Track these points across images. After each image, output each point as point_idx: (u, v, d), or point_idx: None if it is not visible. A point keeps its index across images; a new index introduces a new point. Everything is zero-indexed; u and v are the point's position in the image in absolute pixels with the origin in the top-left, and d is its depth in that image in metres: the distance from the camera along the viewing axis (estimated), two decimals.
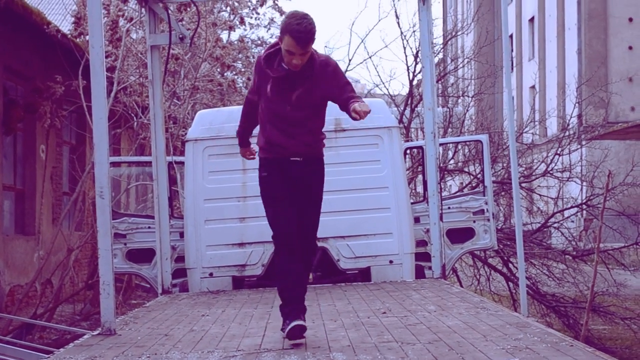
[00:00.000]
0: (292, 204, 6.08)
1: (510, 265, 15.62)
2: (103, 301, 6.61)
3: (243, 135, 6.57)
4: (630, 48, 35.71)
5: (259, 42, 21.19)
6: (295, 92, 5.89)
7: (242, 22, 16.34)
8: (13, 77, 15.46)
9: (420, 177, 14.35)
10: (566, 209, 16.95)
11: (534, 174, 17.43)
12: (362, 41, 18.73)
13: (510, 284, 15.58)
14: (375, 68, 36.56)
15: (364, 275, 10.09)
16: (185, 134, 11.23)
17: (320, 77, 5.90)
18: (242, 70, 17.72)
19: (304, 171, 6.10)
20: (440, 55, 20.83)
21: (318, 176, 6.22)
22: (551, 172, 16.81)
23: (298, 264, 6.06)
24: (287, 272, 6.03)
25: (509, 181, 15.69)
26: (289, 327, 5.77)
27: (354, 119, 5.66)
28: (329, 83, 5.92)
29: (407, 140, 16.36)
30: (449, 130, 18.36)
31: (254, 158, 6.58)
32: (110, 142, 11.38)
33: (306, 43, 5.68)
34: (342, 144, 9.95)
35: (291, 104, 5.92)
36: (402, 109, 17.73)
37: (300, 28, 5.63)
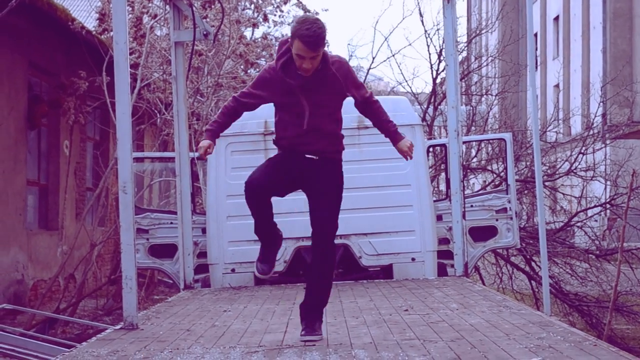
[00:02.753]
0: (281, 175, 6.07)
1: (533, 264, 15.56)
2: (125, 296, 6.64)
3: (216, 130, 6.19)
4: None
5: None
6: (317, 94, 5.90)
7: (265, 19, 16.35)
8: (38, 73, 15.55)
9: (443, 175, 14.32)
10: (590, 208, 16.85)
11: (557, 172, 17.34)
12: (385, 39, 18.63)
13: (533, 283, 15.51)
14: (399, 66, 36.60)
15: (386, 272, 10.09)
16: None
17: (336, 76, 5.93)
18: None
19: (323, 172, 6.07)
20: (464, 54, 20.77)
21: (337, 177, 6.15)
22: (575, 171, 16.72)
23: (266, 211, 6.09)
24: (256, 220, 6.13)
25: (532, 180, 15.62)
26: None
27: (405, 158, 6.10)
28: (344, 83, 5.97)
29: (430, 138, 16.32)
30: (472, 128, 18.30)
31: (204, 158, 6.24)
32: (133, 138, 11.42)
33: (316, 46, 5.69)
34: (365, 142, 9.95)
35: (314, 107, 5.93)
36: (425, 107, 17.68)
37: (309, 32, 5.65)
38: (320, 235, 6.03)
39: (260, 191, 6.02)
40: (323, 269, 6.11)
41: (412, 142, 6.04)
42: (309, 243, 6.23)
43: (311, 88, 5.88)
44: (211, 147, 6.10)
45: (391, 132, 6.16)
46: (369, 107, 6.17)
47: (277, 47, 6.18)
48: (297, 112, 5.97)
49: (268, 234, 6.22)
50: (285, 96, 5.96)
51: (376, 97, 6.27)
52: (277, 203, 6.15)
